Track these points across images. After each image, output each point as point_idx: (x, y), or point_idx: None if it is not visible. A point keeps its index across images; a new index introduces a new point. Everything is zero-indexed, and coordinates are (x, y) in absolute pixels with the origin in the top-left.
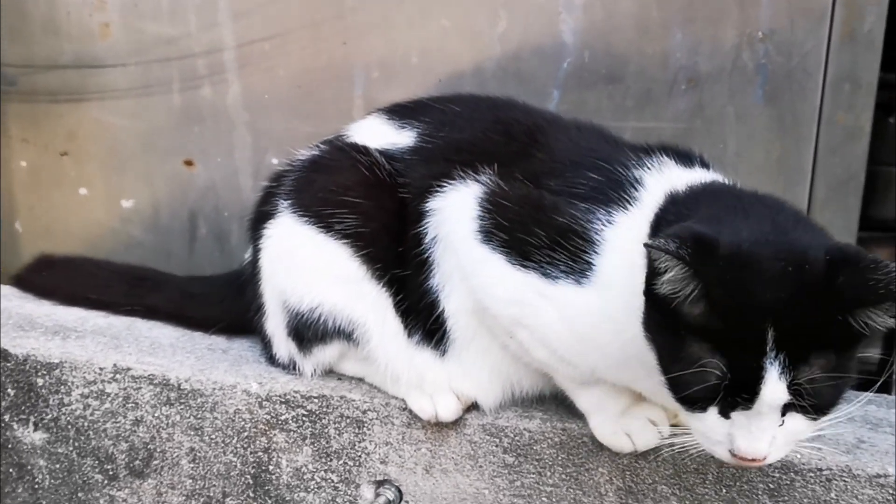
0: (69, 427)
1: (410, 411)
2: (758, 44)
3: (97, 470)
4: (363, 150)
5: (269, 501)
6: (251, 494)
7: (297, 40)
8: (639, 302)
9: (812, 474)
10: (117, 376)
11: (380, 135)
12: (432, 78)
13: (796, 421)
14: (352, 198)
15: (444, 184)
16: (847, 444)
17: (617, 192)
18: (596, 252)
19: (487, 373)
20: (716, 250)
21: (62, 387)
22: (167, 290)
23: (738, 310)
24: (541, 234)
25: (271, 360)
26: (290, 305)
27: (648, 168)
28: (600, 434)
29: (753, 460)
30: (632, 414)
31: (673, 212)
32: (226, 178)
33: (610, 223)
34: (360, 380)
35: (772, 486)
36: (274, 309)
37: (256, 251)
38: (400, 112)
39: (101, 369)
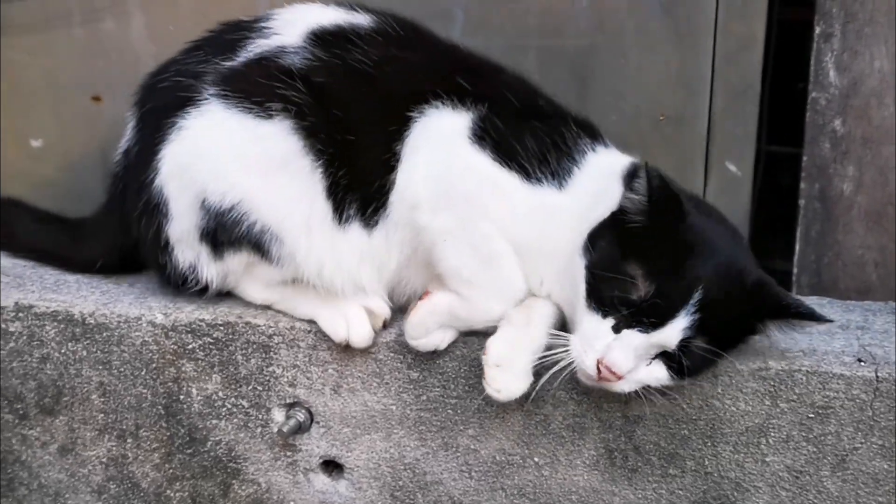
0: None
1: (317, 333)
2: None
3: (7, 410)
4: None
5: (182, 430)
6: (164, 425)
7: None
8: (589, 217)
9: None
10: (20, 315)
11: (328, 14)
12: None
13: (660, 369)
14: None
15: (432, 102)
16: None
17: (596, 133)
18: (577, 167)
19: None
20: (689, 215)
21: None
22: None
23: (686, 261)
24: (527, 146)
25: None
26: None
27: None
28: (413, 324)
29: (612, 374)
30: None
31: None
32: None
33: (594, 150)
34: (266, 307)
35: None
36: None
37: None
38: (345, 3)
39: (2, 308)
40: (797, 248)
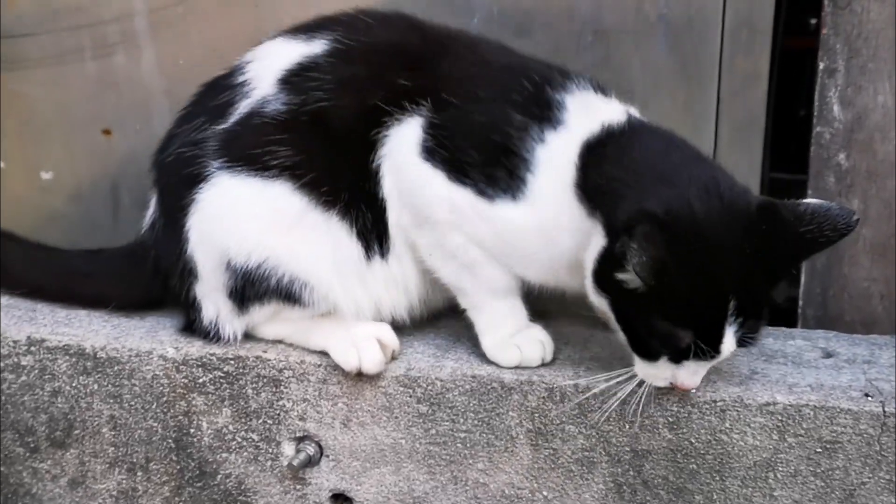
0: None
1: (327, 367)
2: None
3: (18, 443)
4: None
5: (193, 464)
6: (174, 458)
7: (209, 4)
8: (568, 216)
9: (707, 406)
10: (32, 348)
11: (289, 52)
12: None
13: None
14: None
15: (391, 113)
16: (741, 376)
17: (546, 110)
18: (529, 171)
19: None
20: (678, 235)
21: None
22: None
23: (705, 290)
24: (476, 154)
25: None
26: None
27: (571, 92)
28: (492, 350)
29: (689, 390)
30: (523, 334)
31: (607, 147)
32: (145, 146)
33: (542, 141)
34: (278, 342)
35: (671, 419)
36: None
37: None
38: (305, 28)
39: (14, 342)
40: (803, 280)
